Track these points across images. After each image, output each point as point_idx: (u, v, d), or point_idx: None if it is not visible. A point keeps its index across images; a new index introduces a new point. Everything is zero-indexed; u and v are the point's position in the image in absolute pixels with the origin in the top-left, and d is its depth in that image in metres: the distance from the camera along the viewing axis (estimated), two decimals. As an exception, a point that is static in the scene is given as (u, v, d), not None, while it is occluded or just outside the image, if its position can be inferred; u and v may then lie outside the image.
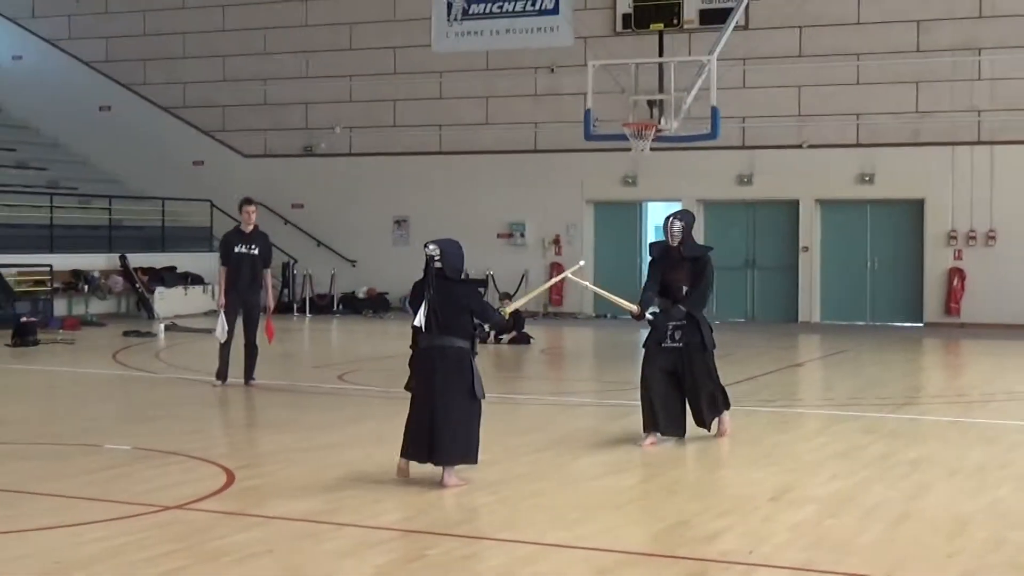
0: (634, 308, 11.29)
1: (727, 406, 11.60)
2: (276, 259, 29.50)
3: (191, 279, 28.40)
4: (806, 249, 27.05)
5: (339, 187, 30.75)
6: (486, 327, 10.30)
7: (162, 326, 23.44)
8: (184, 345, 20.91)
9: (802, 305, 27.09)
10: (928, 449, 11.32)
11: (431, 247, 9.47)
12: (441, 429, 9.32)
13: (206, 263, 29.02)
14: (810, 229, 27.07)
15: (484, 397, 9.59)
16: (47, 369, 18.13)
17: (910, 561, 7.35)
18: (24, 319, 21.83)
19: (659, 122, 21.56)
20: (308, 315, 28.79)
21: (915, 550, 7.59)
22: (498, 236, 28.91)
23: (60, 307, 25.82)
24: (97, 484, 9.40)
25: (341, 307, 29.39)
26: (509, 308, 10.97)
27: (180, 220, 31.03)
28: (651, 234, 31.36)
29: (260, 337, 15.41)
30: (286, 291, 30.03)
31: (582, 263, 11.06)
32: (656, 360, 11.26)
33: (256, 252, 15.38)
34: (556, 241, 28.78)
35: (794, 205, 27.17)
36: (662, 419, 11.19)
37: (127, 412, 13.76)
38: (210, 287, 29.19)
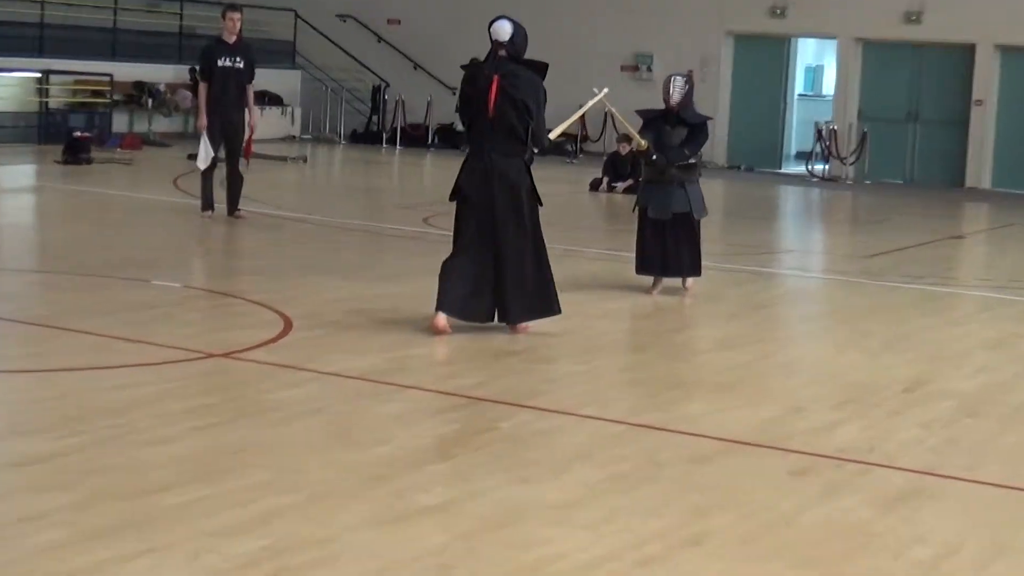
0: (643, 143, 11.69)
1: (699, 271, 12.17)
2: (367, 81, 30.11)
3: (268, 99, 28.40)
4: (980, 103, 26.43)
5: (442, 3, 30.49)
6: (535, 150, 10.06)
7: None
8: (254, 172, 20.99)
9: (970, 168, 26.56)
10: (1097, 344, 11.09)
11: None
12: (510, 282, 9.52)
13: (289, 82, 29.12)
14: (987, 80, 26.38)
15: (541, 205, 9.76)
16: (99, 191, 18.43)
17: (1056, 472, 7.23)
18: (77, 134, 22.12)
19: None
20: (398, 147, 28.83)
21: (1064, 460, 7.47)
22: (622, 68, 28.52)
23: (119, 123, 26.03)
24: (139, 324, 9.53)
25: (437, 140, 29.37)
26: (554, 133, 10.58)
27: (260, 31, 31.02)
28: (800, 76, 30.85)
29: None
30: (375, 118, 30.05)
31: (606, 90, 11.26)
32: (647, 225, 11.92)
33: (241, 66, 15.47)
34: (688, 78, 28.32)
35: (969, 50, 26.45)
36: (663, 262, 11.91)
37: (181, 245, 13.93)
38: (289, 109, 29.34)
